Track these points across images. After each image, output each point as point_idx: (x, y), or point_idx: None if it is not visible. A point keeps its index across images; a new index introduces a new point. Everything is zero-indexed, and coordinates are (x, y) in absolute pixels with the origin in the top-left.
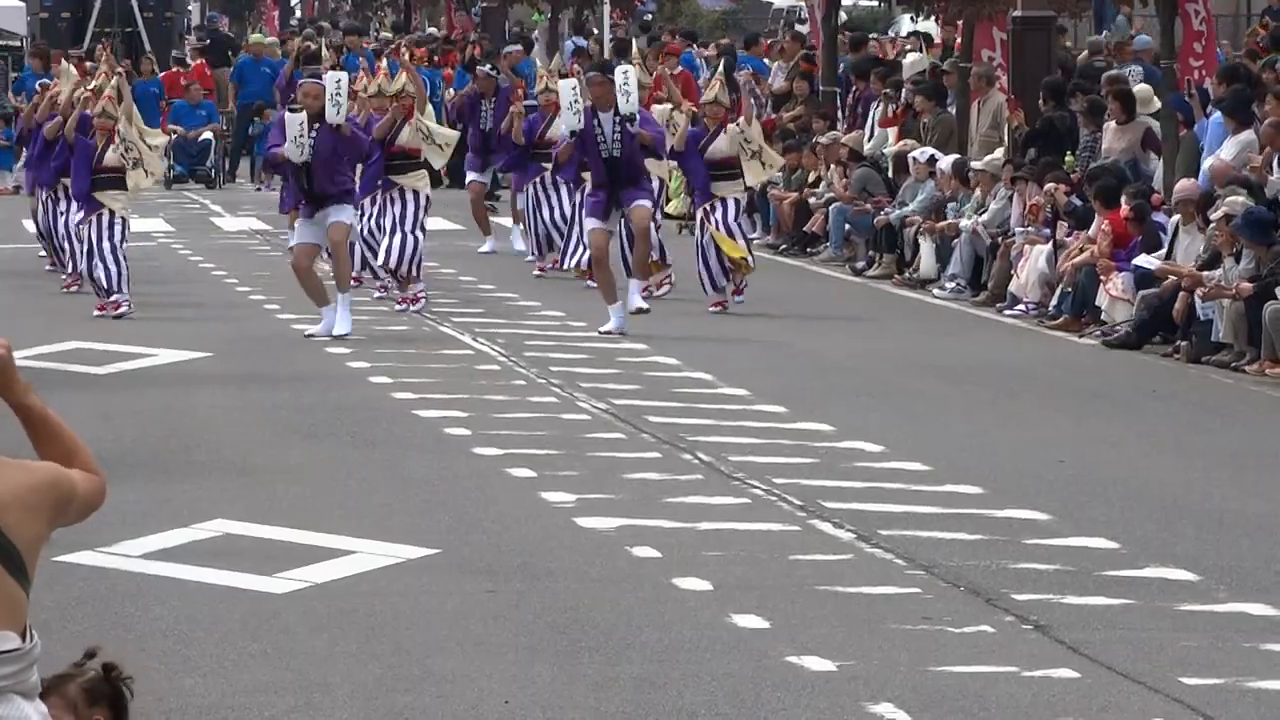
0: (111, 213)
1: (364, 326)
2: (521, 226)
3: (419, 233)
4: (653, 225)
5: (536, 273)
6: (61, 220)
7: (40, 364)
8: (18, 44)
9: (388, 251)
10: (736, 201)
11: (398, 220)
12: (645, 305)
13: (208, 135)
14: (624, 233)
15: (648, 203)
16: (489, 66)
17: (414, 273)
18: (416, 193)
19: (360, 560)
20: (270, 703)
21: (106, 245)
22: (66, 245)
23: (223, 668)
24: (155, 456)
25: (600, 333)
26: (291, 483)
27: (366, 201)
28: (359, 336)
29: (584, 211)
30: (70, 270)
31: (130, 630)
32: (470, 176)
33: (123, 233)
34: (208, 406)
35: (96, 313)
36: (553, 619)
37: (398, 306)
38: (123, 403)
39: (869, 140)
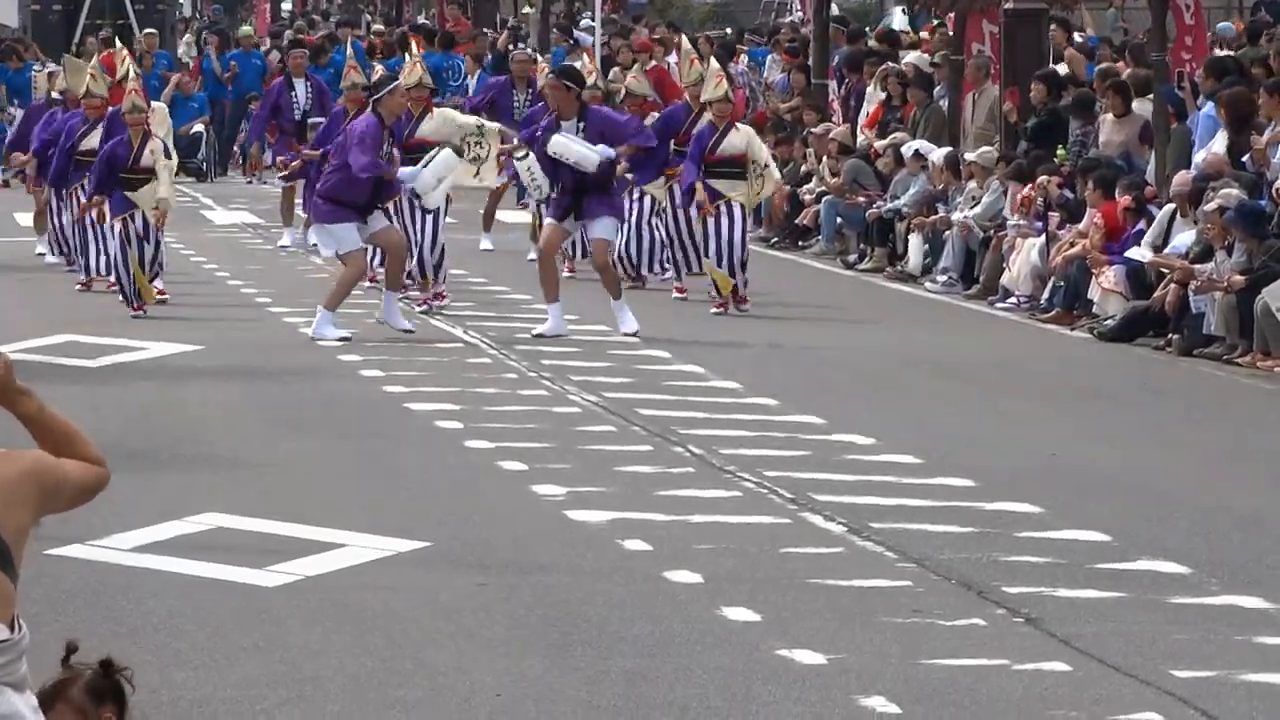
0: (144, 215)
1: (355, 321)
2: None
3: (443, 235)
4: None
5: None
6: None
7: (31, 357)
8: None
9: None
10: (743, 209)
11: (423, 225)
12: (637, 325)
13: (199, 128)
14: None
15: (609, 234)
16: (525, 49)
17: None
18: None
19: (351, 553)
20: (262, 696)
21: (133, 252)
22: (77, 243)
23: (214, 661)
24: (146, 449)
25: (533, 335)
26: (283, 476)
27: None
28: (350, 330)
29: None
30: (82, 268)
31: (121, 624)
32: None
33: (156, 237)
34: (199, 400)
35: (133, 314)
36: (544, 612)
37: (419, 308)
38: (114, 396)
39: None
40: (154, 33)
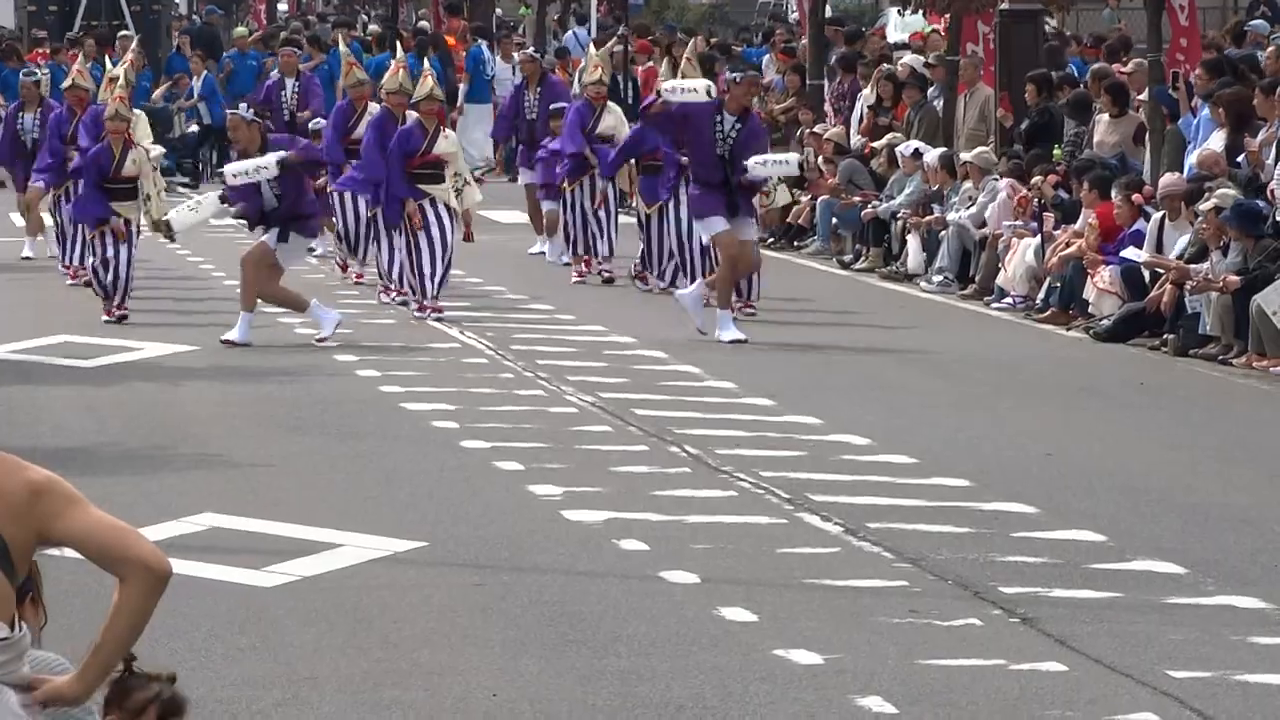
0: (127, 222)
1: (352, 321)
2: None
3: (451, 252)
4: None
5: (575, 278)
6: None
7: (27, 357)
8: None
9: (439, 280)
10: None
11: (435, 243)
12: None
13: (194, 129)
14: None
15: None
16: (532, 50)
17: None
18: (448, 207)
19: (348, 553)
20: (258, 696)
21: (123, 255)
22: (73, 236)
23: (210, 661)
24: (143, 450)
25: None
26: (279, 476)
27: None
28: (346, 330)
29: (697, 209)
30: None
31: None
32: (522, 176)
33: (132, 243)
34: (195, 400)
35: (105, 318)
36: (540, 612)
37: (419, 314)
38: (110, 396)
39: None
40: (129, 35)
